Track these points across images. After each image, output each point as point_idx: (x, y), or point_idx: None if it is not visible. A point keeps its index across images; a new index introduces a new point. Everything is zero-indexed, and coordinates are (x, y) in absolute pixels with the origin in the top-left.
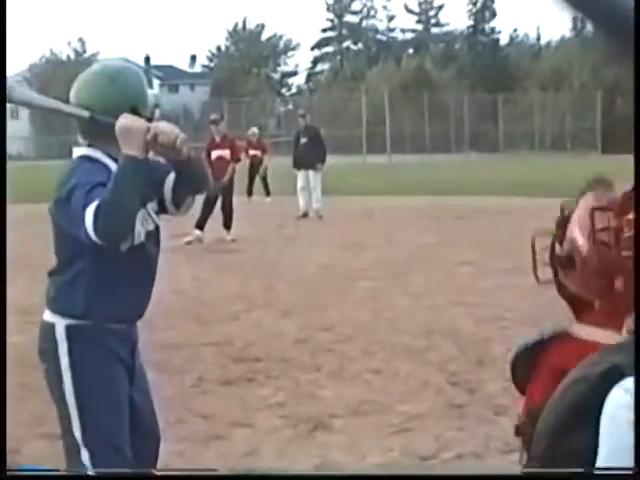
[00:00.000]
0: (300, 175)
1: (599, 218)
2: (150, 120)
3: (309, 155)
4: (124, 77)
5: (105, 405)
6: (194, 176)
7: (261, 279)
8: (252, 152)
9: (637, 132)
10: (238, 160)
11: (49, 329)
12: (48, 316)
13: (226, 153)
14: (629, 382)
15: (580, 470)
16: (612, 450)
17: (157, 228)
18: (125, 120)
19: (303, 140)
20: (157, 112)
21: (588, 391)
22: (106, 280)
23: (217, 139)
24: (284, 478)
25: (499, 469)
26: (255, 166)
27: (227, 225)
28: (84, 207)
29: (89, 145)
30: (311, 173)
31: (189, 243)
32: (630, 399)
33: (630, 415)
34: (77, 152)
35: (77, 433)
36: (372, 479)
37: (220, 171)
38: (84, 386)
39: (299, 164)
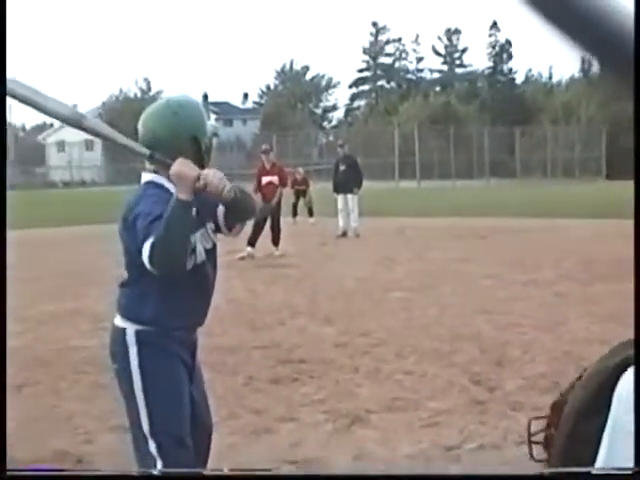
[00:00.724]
0: (340, 198)
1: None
2: (209, 148)
3: (347, 181)
4: (186, 109)
5: (169, 401)
6: (240, 211)
7: (305, 290)
8: (297, 187)
9: (637, 134)
10: (285, 185)
11: (120, 333)
12: (119, 322)
13: (275, 179)
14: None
15: (580, 470)
16: (615, 428)
17: (214, 246)
18: (179, 167)
19: (342, 167)
20: (215, 141)
21: (605, 381)
22: (171, 293)
23: (267, 166)
24: (283, 478)
25: (511, 463)
26: (299, 196)
27: (275, 242)
28: (143, 240)
29: (154, 171)
30: (349, 196)
31: (242, 259)
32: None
33: (632, 397)
34: (145, 177)
35: (145, 426)
36: (372, 479)
37: (270, 194)
38: (151, 384)
39: (339, 189)
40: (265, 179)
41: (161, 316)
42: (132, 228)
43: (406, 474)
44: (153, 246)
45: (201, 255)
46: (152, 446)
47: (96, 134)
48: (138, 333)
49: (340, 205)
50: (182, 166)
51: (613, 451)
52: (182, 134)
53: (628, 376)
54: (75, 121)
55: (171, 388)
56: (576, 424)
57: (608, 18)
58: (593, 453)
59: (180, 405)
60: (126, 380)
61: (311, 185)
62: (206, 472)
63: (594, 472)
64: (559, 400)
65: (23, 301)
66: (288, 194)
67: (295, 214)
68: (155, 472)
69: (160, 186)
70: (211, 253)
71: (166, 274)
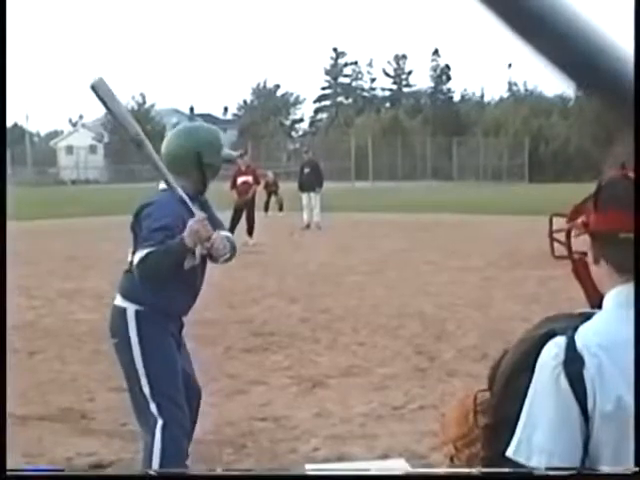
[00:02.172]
0: (304, 196)
1: (556, 222)
2: (213, 166)
3: (311, 181)
4: (197, 131)
5: (165, 369)
6: (224, 261)
7: (275, 273)
8: (269, 188)
9: (637, 132)
10: (258, 183)
11: (122, 312)
12: (120, 301)
13: (249, 178)
14: (559, 338)
15: (579, 470)
16: (537, 391)
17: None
18: (197, 225)
19: (306, 170)
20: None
21: (530, 348)
22: (169, 284)
23: (243, 168)
24: (283, 478)
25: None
26: (270, 195)
27: (250, 232)
28: (143, 241)
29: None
30: (312, 195)
31: None
32: (558, 350)
33: (554, 362)
34: (162, 185)
35: (146, 390)
36: (372, 479)
37: (244, 191)
38: (149, 355)
39: (303, 188)
40: (240, 179)
41: (158, 301)
42: (142, 224)
43: (406, 474)
44: (147, 256)
45: (198, 259)
46: (152, 406)
47: (146, 156)
48: (137, 312)
49: (304, 202)
50: (199, 225)
51: (532, 412)
52: (188, 151)
53: (549, 345)
54: (137, 141)
55: (166, 358)
56: (506, 382)
57: (585, 38)
58: (519, 409)
59: (174, 372)
60: (126, 352)
61: (280, 186)
62: (205, 472)
63: (594, 472)
64: (493, 368)
65: (35, 281)
66: (261, 193)
67: (267, 209)
68: (153, 472)
69: (175, 195)
70: (205, 258)
71: (144, 280)
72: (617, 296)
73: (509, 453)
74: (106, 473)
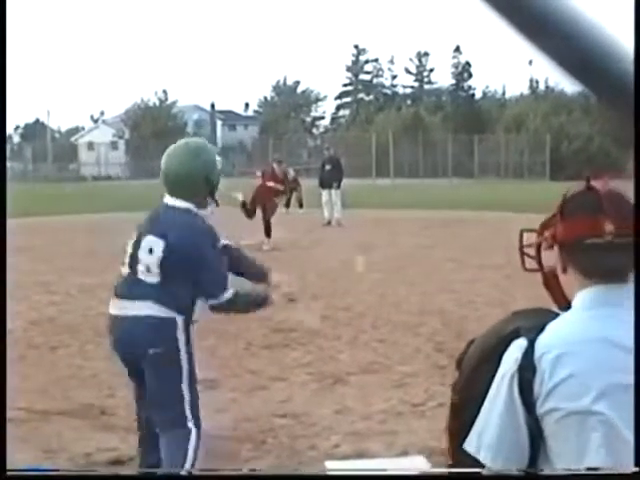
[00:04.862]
0: (324, 193)
1: (526, 236)
2: (217, 183)
3: (331, 178)
4: (203, 154)
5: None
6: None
7: (295, 270)
8: (290, 185)
9: (637, 134)
10: (283, 194)
11: (170, 322)
12: (165, 312)
13: (278, 186)
14: (522, 341)
15: (579, 471)
16: (495, 391)
17: None
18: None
19: (327, 167)
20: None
21: (495, 343)
22: None
23: (279, 175)
24: (283, 478)
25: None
26: (292, 192)
27: (268, 234)
28: (223, 283)
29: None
30: (333, 191)
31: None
32: (518, 354)
33: (514, 367)
34: (180, 203)
35: (187, 398)
36: (373, 479)
37: (270, 197)
38: (193, 365)
39: (324, 184)
40: (271, 183)
41: (193, 311)
42: (204, 259)
43: (406, 474)
44: (235, 295)
45: None
46: (188, 413)
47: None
48: (185, 323)
49: (325, 198)
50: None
51: (487, 410)
52: (199, 175)
53: (512, 348)
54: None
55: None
56: (470, 372)
57: (593, 41)
58: (478, 400)
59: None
60: (172, 361)
61: (301, 183)
62: (205, 472)
63: (594, 472)
64: (461, 355)
65: (55, 276)
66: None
67: (288, 206)
68: (153, 472)
69: (202, 219)
70: None
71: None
72: (584, 297)
73: (465, 444)
74: (105, 473)
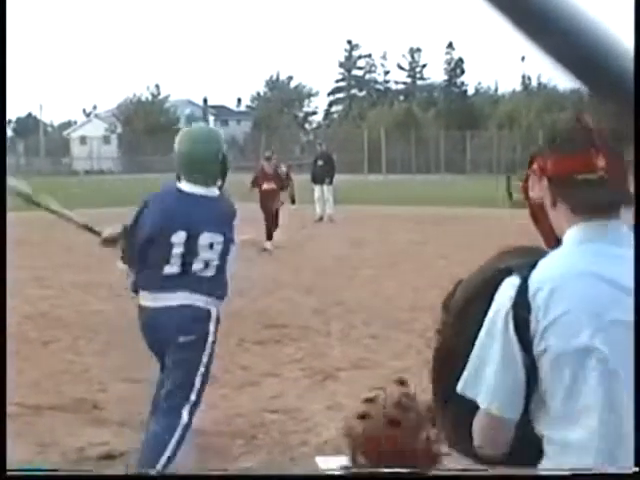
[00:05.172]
0: (317, 188)
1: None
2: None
3: (323, 173)
4: (215, 136)
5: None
6: None
7: (289, 266)
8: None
9: (637, 135)
10: (284, 189)
11: (206, 313)
12: (202, 302)
13: (273, 185)
14: (514, 279)
15: (580, 471)
16: (488, 330)
17: None
18: None
19: (320, 162)
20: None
21: (485, 281)
22: None
23: (270, 172)
24: (284, 478)
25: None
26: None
27: (270, 237)
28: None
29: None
30: (325, 187)
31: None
32: (512, 292)
33: (508, 304)
34: (210, 191)
35: (196, 387)
36: (373, 479)
37: (272, 199)
38: (210, 362)
39: (316, 180)
40: (266, 185)
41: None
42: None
43: (406, 472)
44: None
45: None
46: (187, 405)
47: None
48: (217, 315)
49: (317, 194)
50: None
51: (482, 349)
52: (217, 155)
53: (505, 285)
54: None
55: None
56: (459, 312)
57: (591, 38)
58: (469, 339)
59: None
60: (198, 350)
61: (293, 179)
62: (204, 472)
63: (594, 472)
64: (447, 297)
65: (49, 272)
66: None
67: (293, 202)
68: (154, 473)
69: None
70: None
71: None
72: (575, 233)
73: (459, 388)
74: (106, 473)
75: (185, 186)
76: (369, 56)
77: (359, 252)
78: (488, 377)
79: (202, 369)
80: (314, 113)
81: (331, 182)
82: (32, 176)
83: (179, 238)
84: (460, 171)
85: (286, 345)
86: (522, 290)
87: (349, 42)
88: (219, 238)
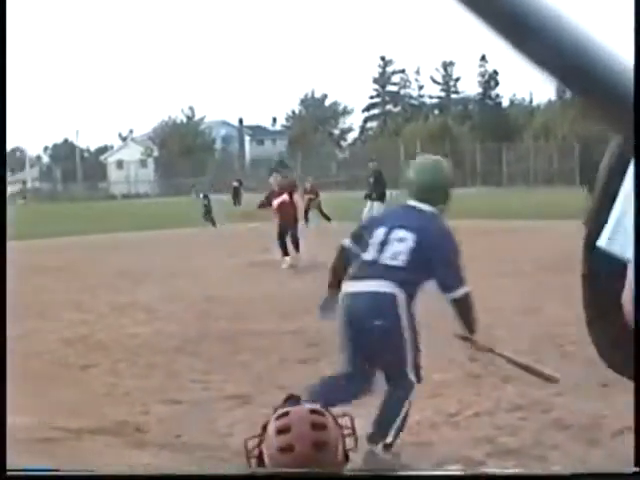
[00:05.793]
0: (368, 204)
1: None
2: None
3: (373, 190)
4: (445, 168)
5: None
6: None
7: (326, 283)
8: (307, 196)
9: (637, 136)
10: (294, 192)
11: (392, 298)
12: (388, 288)
13: (286, 197)
14: None
15: (580, 471)
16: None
17: None
18: None
19: (370, 180)
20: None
21: (624, 152)
22: None
23: (275, 189)
24: (282, 478)
25: (503, 428)
26: (309, 204)
27: (297, 247)
28: (461, 277)
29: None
30: (375, 204)
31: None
32: None
33: None
34: (423, 207)
35: (409, 361)
36: (373, 479)
37: (287, 212)
38: (414, 337)
39: (367, 196)
40: (277, 200)
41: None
42: (446, 255)
43: (407, 474)
44: (467, 295)
45: None
46: (411, 375)
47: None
48: (406, 301)
49: (365, 210)
50: None
51: (623, 204)
52: (446, 186)
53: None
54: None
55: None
56: (603, 186)
57: (581, 50)
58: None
59: None
60: (396, 334)
61: (319, 193)
62: (204, 472)
63: (594, 472)
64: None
65: (87, 295)
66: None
67: (307, 219)
68: (153, 472)
69: (444, 221)
70: None
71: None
72: None
73: (601, 243)
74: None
75: (411, 201)
76: (403, 71)
77: None
78: (630, 222)
79: (408, 346)
80: (350, 130)
81: (380, 199)
82: (69, 201)
83: (376, 232)
84: (497, 183)
85: (328, 363)
86: None
87: (382, 58)
88: (412, 236)
